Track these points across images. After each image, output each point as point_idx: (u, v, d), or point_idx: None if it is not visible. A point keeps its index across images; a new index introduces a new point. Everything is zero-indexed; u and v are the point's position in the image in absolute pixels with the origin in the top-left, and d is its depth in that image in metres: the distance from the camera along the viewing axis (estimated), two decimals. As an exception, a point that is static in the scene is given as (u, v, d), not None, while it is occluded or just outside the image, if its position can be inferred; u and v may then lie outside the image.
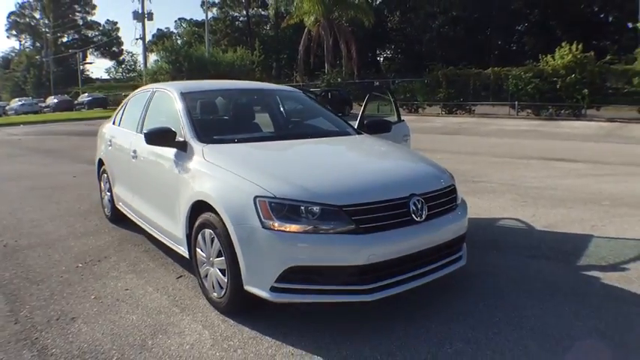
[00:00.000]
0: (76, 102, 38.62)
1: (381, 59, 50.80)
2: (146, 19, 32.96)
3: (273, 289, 2.52)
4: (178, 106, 3.63)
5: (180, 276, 3.58)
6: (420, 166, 3.25)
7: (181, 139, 3.32)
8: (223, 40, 47.99)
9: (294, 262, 2.46)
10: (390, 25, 44.92)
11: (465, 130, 15.70)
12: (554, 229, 4.68)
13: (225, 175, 2.85)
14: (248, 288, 2.62)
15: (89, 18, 67.73)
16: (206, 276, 3.01)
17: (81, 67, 56.67)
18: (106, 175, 5.01)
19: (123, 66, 61.39)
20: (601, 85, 17.45)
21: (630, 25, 32.53)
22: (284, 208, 2.51)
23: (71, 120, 26.58)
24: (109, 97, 37.65)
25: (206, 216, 2.87)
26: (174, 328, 2.78)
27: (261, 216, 2.52)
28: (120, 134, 4.68)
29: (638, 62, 16.49)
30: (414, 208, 2.70)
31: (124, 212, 4.58)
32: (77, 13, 66.49)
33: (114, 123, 5.08)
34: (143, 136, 3.40)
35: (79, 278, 3.61)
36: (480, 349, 2.49)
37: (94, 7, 67.50)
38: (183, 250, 3.30)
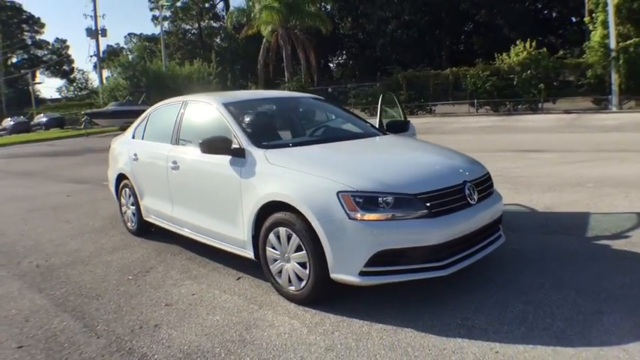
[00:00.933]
0: (32, 123, 37.15)
1: (333, 65, 51.72)
2: (100, 36, 32.10)
3: (362, 274, 2.81)
4: (224, 115, 3.85)
5: (239, 277, 3.76)
6: (462, 158, 3.64)
7: (236, 147, 3.53)
8: (176, 54, 47.36)
9: (380, 247, 2.76)
10: (342, 32, 45.85)
11: (432, 130, 16.39)
12: (555, 210, 5.19)
13: (299, 175, 3.12)
14: (335, 276, 2.89)
15: (38, 37, 65.02)
16: (279, 272, 3.25)
17: (31, 87, 54.19)
18: (128, 189, 5.08)
19: (74, 84, 59.17)
20: (555, 79, 18.76)
21: (574, 19, 35.01)
22: (365, 200, 2.81)
23: (31, 142, 25.45)
24: (65, 117, 36.36)
25: (279, 215, 3.11)
26: (263, 322, 2.98)
27: (346, 209, 2.81)
28: (148, 147, 4.80)
29: (589, 55, 17.83)
30: (468, 192, 3.08)
31: (157, 223, 4.68)
32: (26, 33, 63.54)
33: (134, 137, 5.16)
34: (199, 145, 3.58)
35: (137, 289, 3.71)
36: (538, 307, 2.90)
37: (42, 25, 64.75)
38: (247, 252, 3.50)
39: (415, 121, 5.88)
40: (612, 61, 16.65)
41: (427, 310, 2.94)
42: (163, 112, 4.83)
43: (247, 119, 3.97)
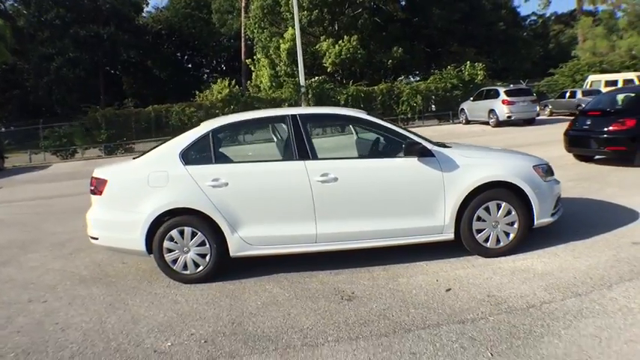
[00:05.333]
0: None
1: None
2: None
3: (551, 215, 4.40)
4: (387, 125, 4.44)
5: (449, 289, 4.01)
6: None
7: (425, 148, 4.22)
8: None
9: (557, 196, 4.45)
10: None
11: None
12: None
13: (496, 160, 4.46)
14: (538, 222, 4.31)
15: None
16: (487, 238, 4.28)
17: None
18: (189, 228, 4.20)
19: None
20: None
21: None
22: (544, 169, 4.44)
23: None
24: None
25: (489, 193, 4.21)
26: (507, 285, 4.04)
27: (542, 176, 4.34)
28: (256, 168, 4.35)
29: (285, 90, 22.07)
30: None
31: (264, 253, 4.27)
32: None
33: (186, 162, 4.30)
34: (404, 149, 4.12)
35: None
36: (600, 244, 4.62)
37: None
38: (444, 235, 4.25)
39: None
40: (302, 95, 21.45)
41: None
42: (249, 131, 4.41)
43: None
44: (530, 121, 18.00)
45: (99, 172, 4.54)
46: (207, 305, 3.78)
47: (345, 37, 29.37)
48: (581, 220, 5.21)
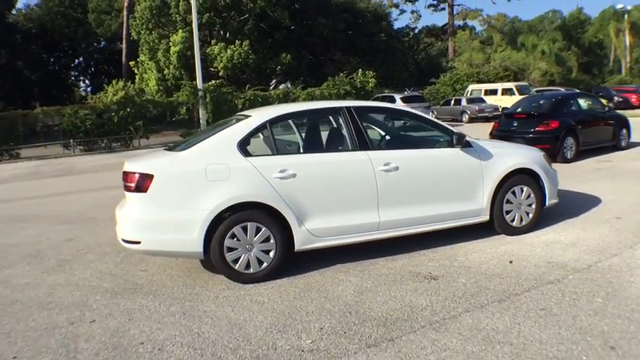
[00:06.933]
0: None
1: None
2: None
3: (556, 197, 5.19)
4: (428, 119, 4.85)
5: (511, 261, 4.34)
6: None
7: (467, 140, 4.69)
8: None
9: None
10: None
11: (49, 174, 14.36)
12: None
13: (518, 150, 5.17)
14: (549, 203, 5.06)
15: None
16: (513, 219, 4.91)
17: None
18: (252, 224, 4.04)
19: None
20: (152, 117, 20.47)
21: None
22: (548, 157, 5.23)
23: None
24: None
25: (515, 179, 4.84)
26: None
27: (550, 163, 5.12)
28: (323, 158, 4.39)
29: (182, 94, 20.74)
30: None
31: (329, 244, 4.30)
32: None
33: (246, 154, 4.14)
34: (456, 140, 4.57)
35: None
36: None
37: None
38: (482, 217, 4.77)
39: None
40: (200, 99, 20.52)
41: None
42: (305, 122, 4.42)
43: None
44: (424, 126, 19.92)
45: (138, 167, 4.09)
46: (299, 300, 3.70)
47: (237, 41, 29.15)
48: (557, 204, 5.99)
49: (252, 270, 4.10)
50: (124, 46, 34.87)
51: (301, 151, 4.65)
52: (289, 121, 4.74)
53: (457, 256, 4.45)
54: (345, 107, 4.54)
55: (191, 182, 4.01)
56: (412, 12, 59.30)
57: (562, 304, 3.35)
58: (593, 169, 8.52)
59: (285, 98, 25.21)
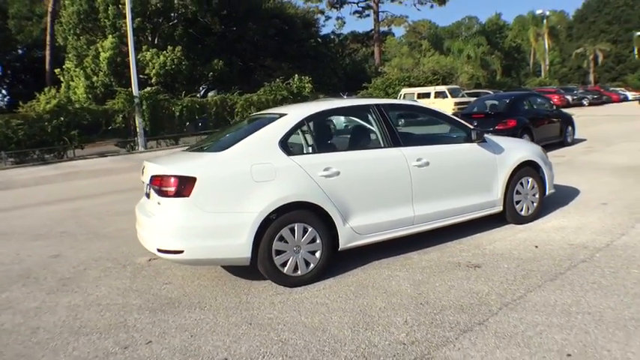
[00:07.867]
0: None
1: None
2: None
3: (553, 187, 5.66)
4: (448, 116, 5.08)
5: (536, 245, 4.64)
6: None
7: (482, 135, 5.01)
8: None
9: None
10: None
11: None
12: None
13: (522, 144, 5.55)
14: (549, 193, 5.53)
15: None
16: (521, 209, 5.29)
17: None
18: (300, 224, 3.99)
19: None
20: (86, 126, 18.94)
21: None
22: (545, 151, 5.70)
23: None
24: None
25: (522, 171, 5.25)
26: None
27: (547, 155, 5.57)
28: (364, 155, 4.44)
29: (117, 101, 19.35)
30: None
31: (371, 241, 4.34)
32: None
33: (289, 153, 4.08)
34: (477, 135, 4.85)
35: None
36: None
37: None
38: (496, 208, 5.09)
39: None
40: (136, 106, 19.37)
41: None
42: (339, 120, 4.42)
43: None
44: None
45: (175, 169, 3.85)
46: (362, 298, 3.71)
47: (170, 47, 28.11)
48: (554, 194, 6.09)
49: (299, 272, 4.04)
50: (47, 52, 32.10)
51: (340, 148, 4.65)
52: (325, 118, 4.72)
53: (483, 245, 4.70)
54: (375, 105, 4.65)
55: (237, 184, 3.87)
56: (337, 18, 61.09)
57: (606, 277, 3.72)
58: (554, 164, 9.32)
59: (223, 105, 24.76)
